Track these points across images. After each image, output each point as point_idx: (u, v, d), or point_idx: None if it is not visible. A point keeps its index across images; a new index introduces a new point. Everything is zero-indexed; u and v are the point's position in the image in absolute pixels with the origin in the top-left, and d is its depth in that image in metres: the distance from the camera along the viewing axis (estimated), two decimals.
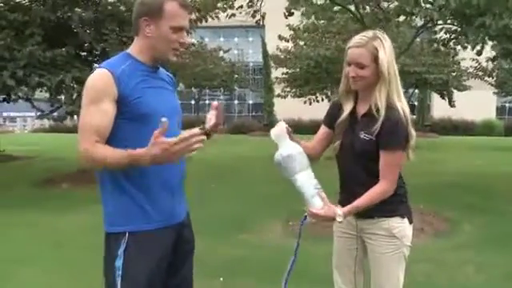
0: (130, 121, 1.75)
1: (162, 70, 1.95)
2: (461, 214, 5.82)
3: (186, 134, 1.57)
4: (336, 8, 7.69)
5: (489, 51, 7.16)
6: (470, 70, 16.69)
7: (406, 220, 2.07)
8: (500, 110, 29.45)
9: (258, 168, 9.05)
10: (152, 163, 1.62)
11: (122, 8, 8.16)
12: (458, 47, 6.93)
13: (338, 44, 11.49)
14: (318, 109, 13.00)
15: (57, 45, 7.51)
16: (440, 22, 6.14)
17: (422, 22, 6.79)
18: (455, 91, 19.20)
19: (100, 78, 1.74)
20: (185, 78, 20.70)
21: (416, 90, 20.51)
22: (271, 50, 17.96)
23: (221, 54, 22.73)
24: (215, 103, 2.03)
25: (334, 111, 2.17)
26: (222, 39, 29.02)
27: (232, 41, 29.74)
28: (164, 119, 1.53)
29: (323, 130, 2.23)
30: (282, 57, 16.47)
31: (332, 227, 2.22)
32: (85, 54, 8.68)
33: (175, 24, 1.78)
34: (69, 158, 9.77)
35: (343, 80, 2.09)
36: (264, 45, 22.38)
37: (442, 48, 7.52)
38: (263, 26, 8.76)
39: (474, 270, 4.01)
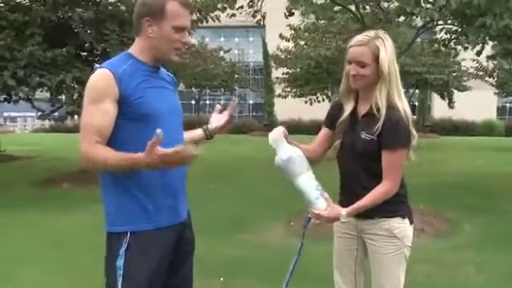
0: (131, 121, 1.75)
1: (162, 69, 1.95)
2: (461, 215, 5.81)
3: (179, 148, 1.59)
4: (336, 8, 7.69)
5: (489, 51, 7.17)
6: (471, 70, 16.70)
7: (406, 220, 2.07)
8: (501, 111, 29.42)
9: (259, 168, 9.04)
10: (148, 168, 1.63)
11: (123, 8, 8.16)
12: (459, 47, 6.94)
13: (339, 44, 11.49)
14: (318, 109, 13.01)
15: (57, 45, 7.50)
16: (440, 22, 6.14)
17: (422, 23, 6.80)
18: (456, 91, 19.19)
19: (101, 78, 1.74)
20: (185, 78, 20.69)
21: (416, 91, 20.50)
22: (272, 50, 17.94)
23: (221, 53, 22.72)
24: (232, 103, 2.19)
25: (335, 111, 2.17)
26: (222, 39, 28.99)
27: (232, 41, 29.71)
28: (159, 131, 1.53)
29: (324, 131, 2.22)
30: (283, 57, 16.45)
31: (332, 227, 2.23)
32: (85, 54, 8.68)
33: (177, 24, 1.78)
34: (69, 157, 9.78)
35: (344, 79, 2.09)
36: (264, 45, 22.38)
37: (443, 48, 7.52)
38: (264, 26, 8.77)
39: (474, 270, 4.01)
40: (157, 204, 1.81)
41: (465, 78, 18.45)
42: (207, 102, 30.55)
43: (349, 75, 2.03)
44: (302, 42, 14.06)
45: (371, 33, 2.03)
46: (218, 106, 2.25)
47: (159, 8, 1.76)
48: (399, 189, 2.03)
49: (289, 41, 13.53)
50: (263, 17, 7.91)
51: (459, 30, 6.42)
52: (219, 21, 7.80)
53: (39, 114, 9.33)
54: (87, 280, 3.45)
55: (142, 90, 1.77)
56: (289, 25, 11.99)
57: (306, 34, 12.86)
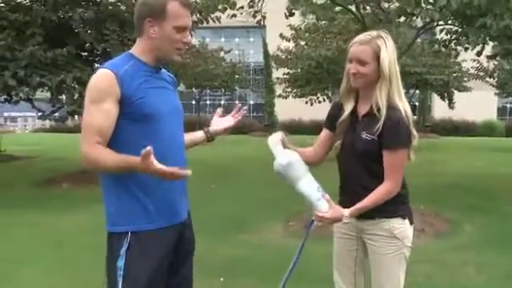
0: (132, 121, 1.75)
1: (163, 70, 1.96)
2: (461, 215, 5.81)
3: (172, 169, 1.62)
4: (337, 8, 7.69)
5: (489, 51, 7.16)
6: (471, 71, 16.69)
7: (406, 221, 2.07)
8: (501, 111, 29.38)
9: (259, 169, 9.01)
10: (146, 173, 1.64)
11: (123, 8, 8.16)
12: (459, 48, 6.94)
13: (339, 44, 11.49)
14: (318, 109, 13.01)
15: (58, 45, 7.51)
16: (441, 22, 6.14)
17: (422, 23, 6.79)
18: (456, 92, 19.18)
19: (103, 78, 1.74)
20: (186, 79, 20.65)
21: (417, 91, 20.49)
22: (272, 50, 17.93)
23: (222, 54, 22.71)
24: (240, 105, 2.31)
25: (335, 111, 2.17)
26: (223, 39, 28.97)
27: (233, 41, 29.70)
28: (149, 147, 1.54)
29: (325, 133, 2.22)
30: (283, 57, 16.44)
31: (333, 228, 2.23)
32: (86, 54, 8.69)
33: (178, 24, 1.79)
34: (69, 158, 9.79)
35: (344, 78, 2.09)
36: (265, 45, 22.38)
37: (443, 49, 7.52)
38: (264, 26, 8.76)
39: (474, 270, 4.01)
40: (157, 204, 1.81)
41: (465, 79, 18.44)
42: (207, 102, 30.55)
43: (349, 74, 2.04)
44: (303, 43, 14.05)
45: (373, 32, 2.04)
46: (219, 110, 2.27)
47: (160, 8, 1.76)
48: (400, 189, 2.03)
49: (289, 41, 13.53)
50: (264, 17, 7.90)
51: (459, 30, 6.42)
52: (219, 22, 7.79)
53: (40, 114, 9.34)
54: (87, 280, 3.45)
55: (144, 90, 1.77)
56: (289, 25, 12.00)
57: (307, 34, 12.86)
